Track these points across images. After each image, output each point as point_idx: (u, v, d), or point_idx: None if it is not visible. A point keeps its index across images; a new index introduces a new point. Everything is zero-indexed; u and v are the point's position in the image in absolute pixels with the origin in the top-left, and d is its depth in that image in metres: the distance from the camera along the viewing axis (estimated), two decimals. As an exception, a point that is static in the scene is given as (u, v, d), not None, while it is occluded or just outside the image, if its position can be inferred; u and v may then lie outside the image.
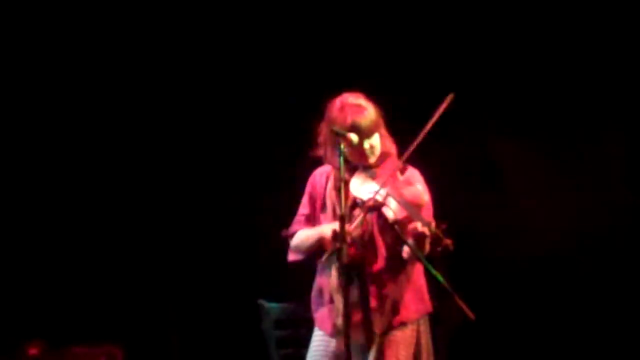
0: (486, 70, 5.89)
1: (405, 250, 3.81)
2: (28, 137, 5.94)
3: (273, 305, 5.21)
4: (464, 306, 3.64)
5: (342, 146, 3.76)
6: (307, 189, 4.05)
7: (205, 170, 6.05)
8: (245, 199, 6.00)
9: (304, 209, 4.05)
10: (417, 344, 3.91)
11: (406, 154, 3.79)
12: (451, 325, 5.14)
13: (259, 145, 5.99)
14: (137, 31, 5.95)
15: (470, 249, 5.74)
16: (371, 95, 3.95)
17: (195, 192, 6.04)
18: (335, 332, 3.86)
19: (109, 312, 5.85)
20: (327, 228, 3.84)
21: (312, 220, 4.01)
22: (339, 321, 3.80)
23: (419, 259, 3.71)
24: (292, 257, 4.05)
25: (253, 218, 5.95)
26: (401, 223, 3.72)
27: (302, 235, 3.98)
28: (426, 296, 3.96)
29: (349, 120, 3.84)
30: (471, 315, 3.63)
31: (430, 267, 3.70)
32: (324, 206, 3.98)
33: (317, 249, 3.92)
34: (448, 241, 3.59)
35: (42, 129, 5.95)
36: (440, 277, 3.70)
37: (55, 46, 5.91)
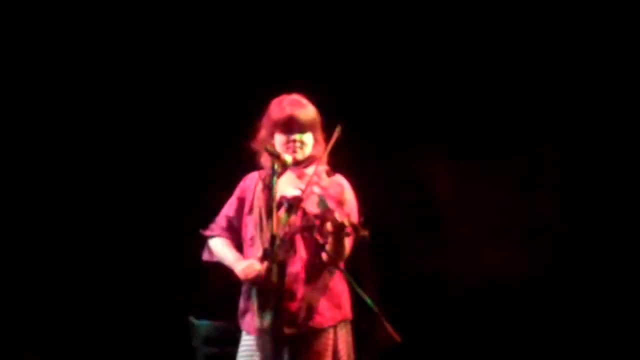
0: (420, 90, 5.93)
1: (325, 254, 3.80)
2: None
3: (203, 322, 5.22)
4: (389, 327, 3.65)
5: (275, 166, 3.75)
6: (237, 193, 4.03)
7: (135, 184, 6.02)
8: (178, 216, 5.97)
9: (228, 211, 4.02)
10: (335, 352, 3.88)
11: (304, 190, 3.74)
12: (378, 346, 5.16)
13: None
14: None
15: (399, 268, 5.80)
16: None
17: (126, 205, 6.00)
18: (258, 333, 3.85)
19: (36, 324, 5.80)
20: (240, 265, 3.85)
21: (234, 223, 4.00)
22: (257, 322, 3.82)
23: (345, 277, 3.72)
24: (207, 256, 4.09)
25: (185, 235, 5.92)
26: (323, 218, 3.72)
27: (220, 250, 4.02)
28: (345, 302, 3.92)
29: (287, 112, 3.84)
30: (397, 337, 3.64)
31: (355, 285, 3.72)
32: (251, 209, 3.95)
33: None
34: (365, 232, 3.59)
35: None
36: (367, 299, 3.70)
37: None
